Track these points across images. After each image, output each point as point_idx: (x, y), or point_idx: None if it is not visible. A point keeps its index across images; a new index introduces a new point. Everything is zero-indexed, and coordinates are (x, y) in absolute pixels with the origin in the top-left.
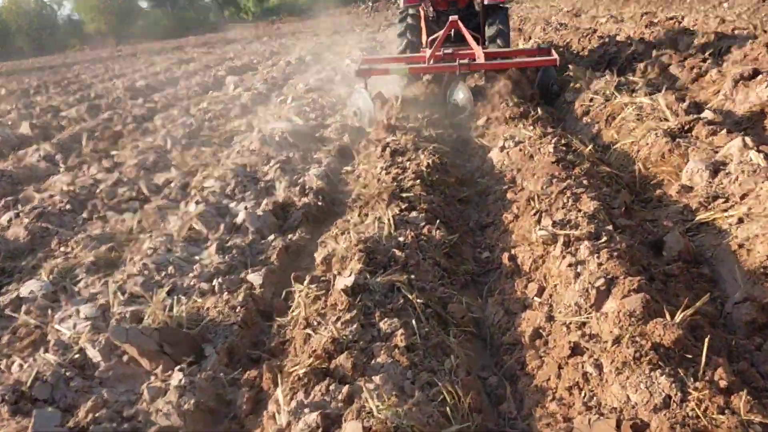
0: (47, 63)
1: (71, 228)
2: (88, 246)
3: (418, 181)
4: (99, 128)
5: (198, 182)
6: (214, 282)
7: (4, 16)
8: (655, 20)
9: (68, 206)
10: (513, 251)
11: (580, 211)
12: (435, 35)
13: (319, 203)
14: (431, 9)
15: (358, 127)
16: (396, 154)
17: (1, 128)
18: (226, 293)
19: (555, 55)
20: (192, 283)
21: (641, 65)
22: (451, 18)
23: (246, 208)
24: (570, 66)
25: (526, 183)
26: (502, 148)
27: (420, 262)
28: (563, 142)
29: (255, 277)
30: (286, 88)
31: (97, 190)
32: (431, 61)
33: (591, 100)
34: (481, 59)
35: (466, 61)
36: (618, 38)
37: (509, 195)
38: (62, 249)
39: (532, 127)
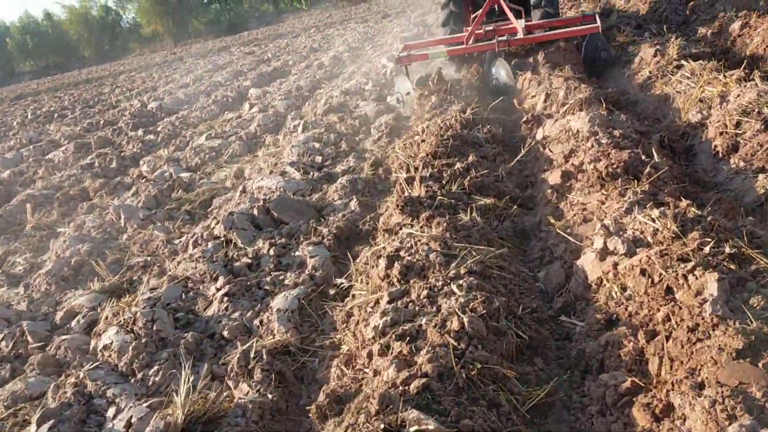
0: (98, 74)
1: None
2: None
3: (441, 385)
4: (66, 184)
5: (107, 322)
6: None
7: (65, 27)
8: None
9: None
10: None
11: None
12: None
13: (269, 396)
14: None
15: (372, 175)
16: (409, 275)
17: None
18: None
19: (598, 22)
20: None
21: None
22: None
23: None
24: None
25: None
26: (603, 254)
27: None
28: (729, 251)
29: None
30: (306, 105)
31: None
32: (471, 41)
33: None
34: (520, 34)
35: (504, 37)
36: None
37: (642, 401)
38: None
39: (647, 202)
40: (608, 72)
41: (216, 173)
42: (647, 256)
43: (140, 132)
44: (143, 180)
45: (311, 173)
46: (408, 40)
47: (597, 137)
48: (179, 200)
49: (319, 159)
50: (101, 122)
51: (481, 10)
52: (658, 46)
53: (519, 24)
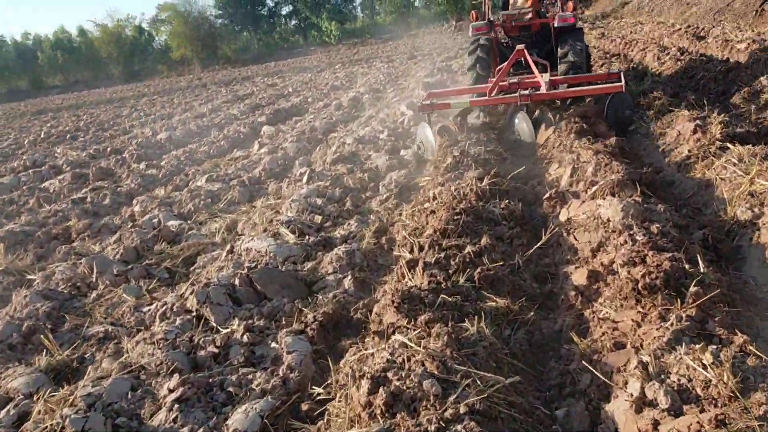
0: (122, 94)
1: None
2: None
3: None
4: (51, 221)
5: (37, 421)
6: None
7: (96, 45)
8: None
9: None
10: None
11: None
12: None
13: None
14: (504, 35)
15: (373, 245)
16: (395, 407)
17: None
18: None
19: (622, 81)
20: None
21: None
22: (517, 47)
23: None
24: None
25: None
26: (639, 405)
27: None
28: None
29: None
30: (318, 150)
31: None
32: (494, 92)
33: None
34: (543, 89)
35: (527, 91)
36: None
37: None
38: None
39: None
40: (642, 144)
41: (208, 224)
42: (698, 422)
43: (143, 165)
44: (130, 225)
45: (307, 236)
46: (430, 86)
47: (631, 232)
48: (161, 254)
49: (318, 219)
50: (108, 149)
51: (506, 62)
52: (698, 121)
53: (543, 78)
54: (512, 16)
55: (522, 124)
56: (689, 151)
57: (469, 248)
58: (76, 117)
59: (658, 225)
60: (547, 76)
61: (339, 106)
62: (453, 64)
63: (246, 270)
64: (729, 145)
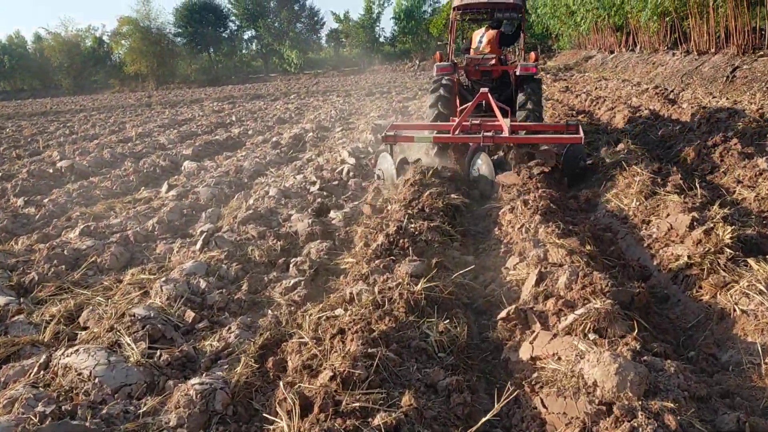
0: (62, 107)
1: None
2: None
3: None
4: None
5: None
6: None
7: (47, 53)
8: None
9: None
10: None
11: None
12: (465, 105)
13: None
14: (465, 78)
15: (247, 378)
16: None
17: None
18: None
19: (581, 134)
20: None
21: None
22: (481, 90)
23: None
24: None
25: None
26: None
27: None
28: None
29: None
30: (235, 199)
31: None
32: (457, 131)
33: None
34: (506, 132)
35: (490, 133)
36: None
37: None
38: None
39: None
40: (619, 228)
41: (47, 305)
42: None
43: (21, 201)
44: None
45: (159, 352)
46: (381, 128)
47: (634, 419)
48: None
49: (190, 316)
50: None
51: (470, 103)
52: (694, 213)
53: (505, 122)
54: (476, 60)
55: (482, 164)
56: (689, 257)
57: (380, 417)
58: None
59: (671, 404)
60: (508, 121)
61: (277, 144)
62: (410, 105)
63: (37, 418)
64: (751, 262)
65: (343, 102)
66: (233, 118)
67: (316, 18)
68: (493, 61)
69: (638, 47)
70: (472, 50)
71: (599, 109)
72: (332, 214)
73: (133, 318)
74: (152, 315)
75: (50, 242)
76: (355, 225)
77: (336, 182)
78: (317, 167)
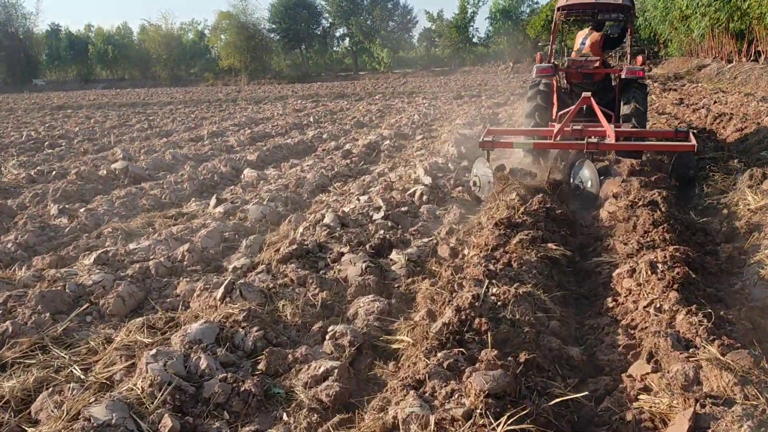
0: (153, 99)
1: None
2: None
3: None
4: None
5: None
6: None
7: (147, 45)
8: None
9: None
10: None
11: None
12: (566, 110)
13: None
14: (565, 81)
15: None
16: None
17: None
18: None
19: (693, 140)
20: None
21: None
22: (584, 94)
23: None
24: None
25: None
26: None
27: None
28: None
29: None
30: (286, 222)
31: None
32: (558, 137)
33: None
34: (611, 139)
35: (595, 139)
36: None
37: None
38: None
39: None
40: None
41: (6, 376)
42: None
43: (55, 209)
44: None
45: None
46: (466, 138)
47: None
48: None
49: (166, 428)
50: (53, 173)
51: (572, 107)
52: None
53: (610, 128)
54: (578, 63)
55: (586, 171)
56: None
57: None
58: (86, 119)
59: None
60: (612, 127)
61: (348, 153)
62: (501, 112)
63: None
64: None
65: (428, 105)
66: (311, 119)
67: (408, 17)
68: (597, 64)
69: (762, 57)
70: (574, 52)
71: (725, 128)
72: (394, 255)
73: (87, 424)
74: (114, 421)
75: (55, 272)
76: (420, 278)
77: (405, 208)
78: (386, 186)
